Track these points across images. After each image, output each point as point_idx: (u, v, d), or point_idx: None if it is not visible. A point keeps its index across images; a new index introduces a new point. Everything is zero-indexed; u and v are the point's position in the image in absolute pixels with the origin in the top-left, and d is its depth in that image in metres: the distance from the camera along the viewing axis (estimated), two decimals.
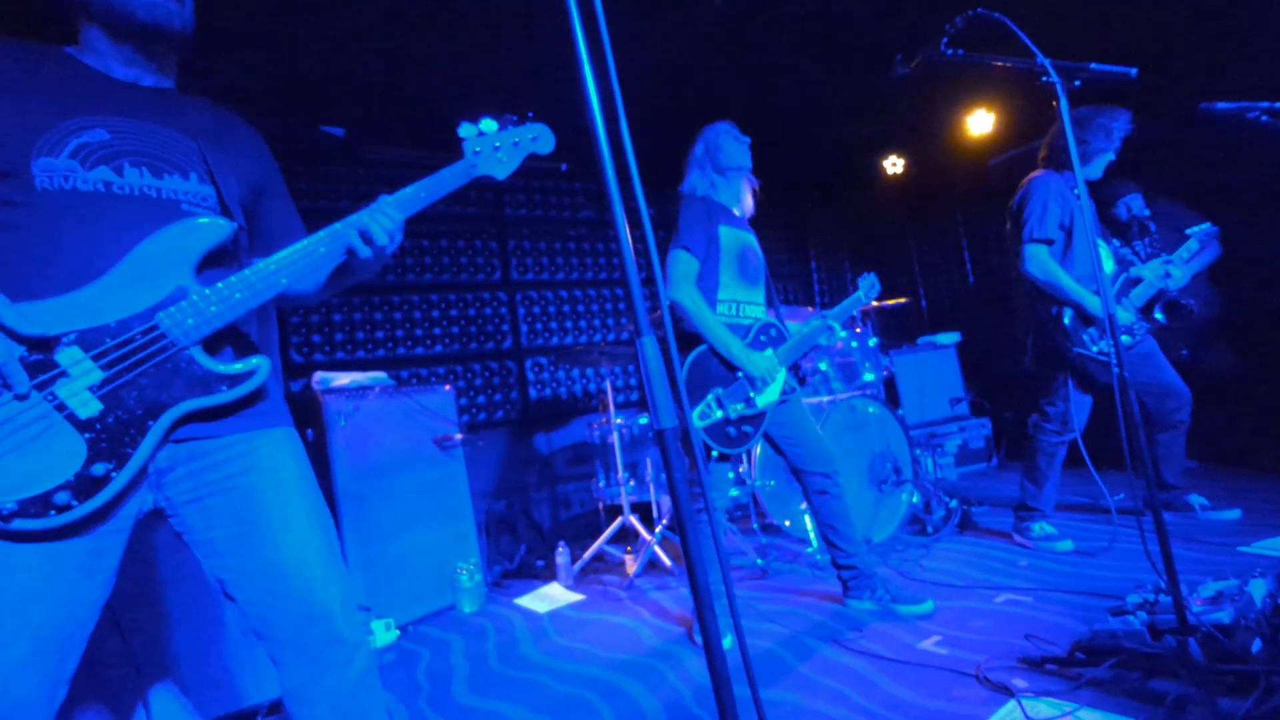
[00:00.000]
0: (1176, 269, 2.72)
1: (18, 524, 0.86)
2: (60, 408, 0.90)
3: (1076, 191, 2.67)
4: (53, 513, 0.88)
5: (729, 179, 2.39)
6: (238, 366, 1.06)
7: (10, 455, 0.86)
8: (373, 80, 3.45)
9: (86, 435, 0.91)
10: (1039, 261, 2.60)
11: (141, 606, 1.82)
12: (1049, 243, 2.60)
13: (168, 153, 1.09)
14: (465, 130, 1.26)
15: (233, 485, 1.07)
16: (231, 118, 1.27)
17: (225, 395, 1.03)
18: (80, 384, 0.91)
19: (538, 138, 1.32)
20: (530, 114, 1.34)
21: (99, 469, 0.92)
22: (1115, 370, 1.54)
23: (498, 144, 1.27)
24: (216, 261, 1.10)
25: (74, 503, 0.89)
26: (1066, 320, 2.59)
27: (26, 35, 1.07)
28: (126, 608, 1.73)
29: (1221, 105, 2.26)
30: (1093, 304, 2.53)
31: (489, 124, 1.27)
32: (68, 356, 0.91)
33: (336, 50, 3.15)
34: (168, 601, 1.89)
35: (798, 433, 2.36)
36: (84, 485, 0.90)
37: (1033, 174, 2.70)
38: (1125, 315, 2.67)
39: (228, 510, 1.06)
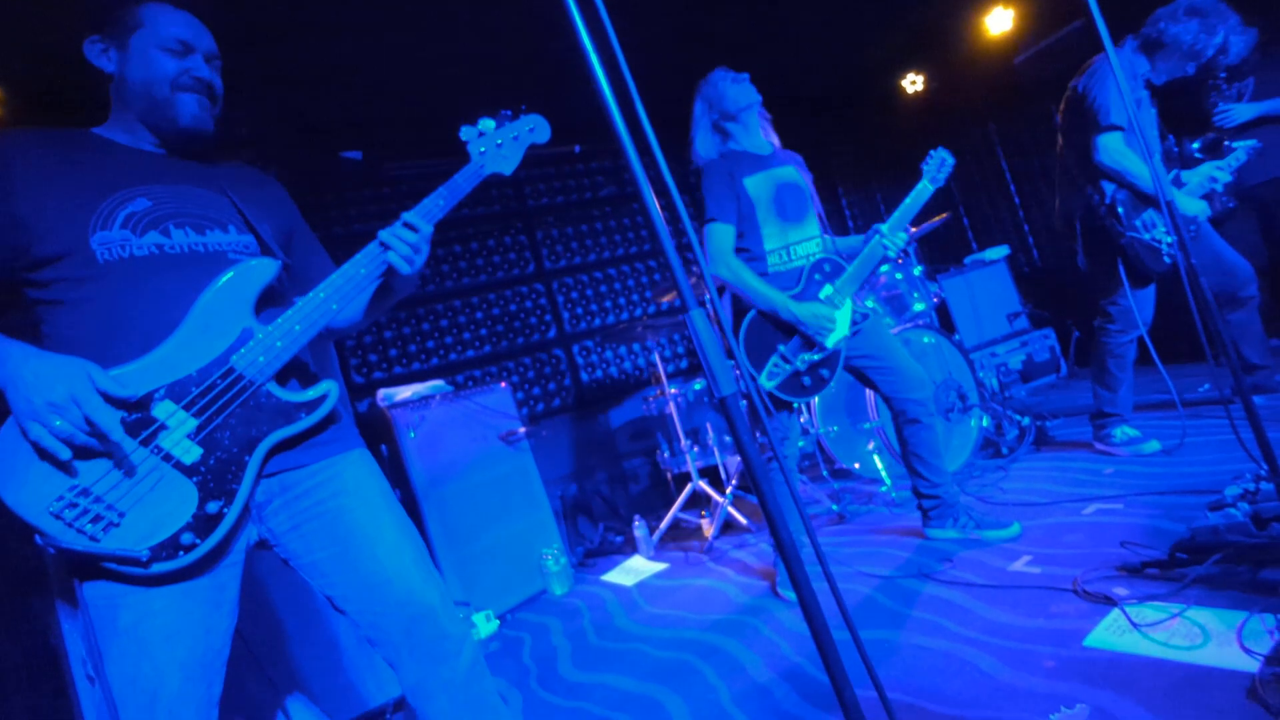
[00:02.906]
0: (1225, 174, 2.53)
1: (156, 567, 0.94)
2: (167, 458, 0.98)
3: (1144, 75, 2.49)
4: (181, 553, 0.96)
5: (743, 120, 2.28)
6: (311, 394, 1.13)
7: (135, 509, 0.95)
8: (383, 100, 3.51)
9: (194, 479, 0.99)
10: (1113, 150, 2.42)
11: (265, 629, 1.97)
12: (1120, 129, 2.43)
13: (206, 210, 1.17)
14: (466, 133, 1.32)
15: (324, 510, 1.15)
16: (251, 170, 1.35)
17: (306, 421, 1.11)
18: (179, 433, 0.99)
19: (535, 128, 1.38)
20: (524, 106, 1.39)
21: (212, 507, 1.00)
22: (1180, 260, 1.47)
23: (499, 141, 1.33)
24: (270, 301, 1.18)
25: (197, 541, 0.98)
26: (1120, 206, 2.45)
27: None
28: (253, 632, 1.88)
29: None
30: (1168, 190, 2.38)
31: (487, 123, 1.33)
32: (163, 410, 0.99)
33: (346, 78, 3.22)
34: (286, 622, 2.04)
35: (885, 359, 2.25)
36: (202, 524, 0.99)
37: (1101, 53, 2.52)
38: (1195, 206, 2.50)
39: (324, 533, 1.14)
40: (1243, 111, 2.95)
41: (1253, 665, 1.18)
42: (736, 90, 2.25)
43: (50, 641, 1.75)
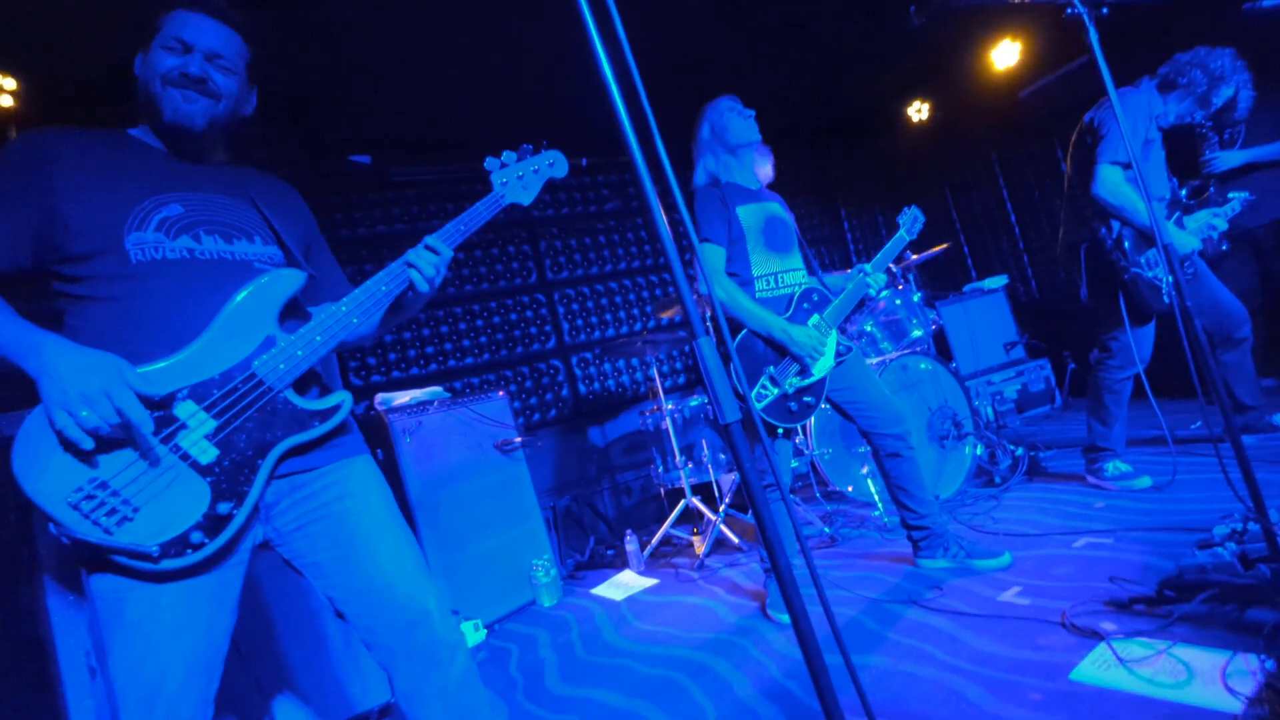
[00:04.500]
0: (1222, 222, 2.60)
1: (165, 564, 0.96)
2: (184, 457, 1.00)
3: (1158, 113, 2.55)
4: (189, 551, 0.98)
5: (740, 156, 2.36)
6: (327, 403, 1.15)
7: (149, 504, 0.97)
8: (393, 107, 3.55)
9: (208, 479, 1.01)
10: (1111, 185, 2.45)
11: (256, 631, 1.96)
12: (1126, 166, 2.46)
13: (235, 220, 1.21)
14: (490, 163, 1.40)
15: (329, 512, 1.17)
16: (277, 182, 1.38)
17: (319, 429, 1.13)
18: (198, 434, 1.01)
19: (554, 163, 1.45)
20: (545, 141, 1.47)
21: (223, 508, 1.02)
22: (1175, 300, 1.51)
23: (520, 173, 1.40)
24: (293, 312, 1.21)
25: (206, 540, 1.00)
26: (1127, 241, 2.50)
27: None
28: (243, 633, 1.87)
29: (1268, 3, 2.13)
30: (1166, 232, 2.43)
31: (509, 155, 1.41)
32: (184, 410, 1.01)
33: (357, 83, 3.25)
34: (277, 624, 2.04)
35: (863, 394, 2.30)
36: (212, 524, 1.01)
37: (1122, 88, 2.57)
38: (1192, 243, 2.55)
39: (328, 535, 1.16)
40: (1231, 158, 3.01)
41: (1236, 705, 1.20)
42: (741, 126, 2.32)
43: (38, 634, 1.74)
